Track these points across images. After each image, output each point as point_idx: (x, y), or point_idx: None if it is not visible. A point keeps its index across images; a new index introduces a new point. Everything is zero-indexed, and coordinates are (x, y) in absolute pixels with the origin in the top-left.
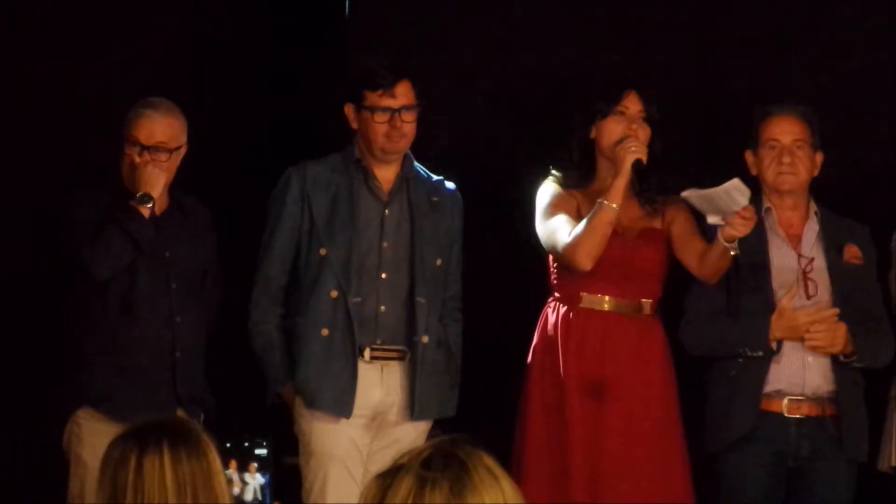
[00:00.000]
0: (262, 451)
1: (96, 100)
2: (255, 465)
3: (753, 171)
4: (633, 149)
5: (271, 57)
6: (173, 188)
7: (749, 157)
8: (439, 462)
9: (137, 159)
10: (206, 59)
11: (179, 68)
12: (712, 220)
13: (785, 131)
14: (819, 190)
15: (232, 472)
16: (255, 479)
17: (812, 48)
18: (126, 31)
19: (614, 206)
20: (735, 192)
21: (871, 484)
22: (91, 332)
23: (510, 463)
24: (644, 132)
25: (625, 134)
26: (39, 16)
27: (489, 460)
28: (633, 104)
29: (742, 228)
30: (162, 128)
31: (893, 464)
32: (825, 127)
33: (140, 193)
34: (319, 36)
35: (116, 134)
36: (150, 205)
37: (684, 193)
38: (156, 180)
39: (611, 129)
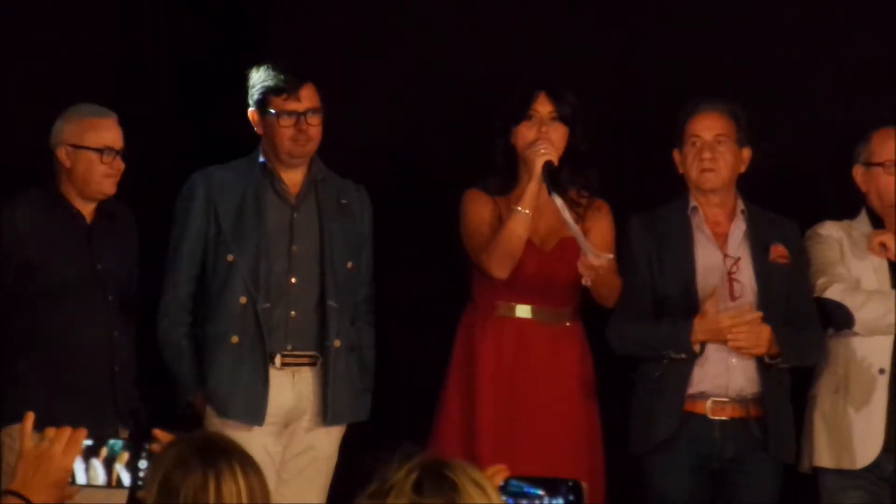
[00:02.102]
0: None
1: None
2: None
3: (680, 170)
4: (542, 151)
5: (186, 59)
6: None
7: (676, 155)
8: (431, 485)
9: (107, 166)
10: (122, 65)
11: (98, 74)
12: (573, 232)
13: (706, 127)
14: (749, 185)
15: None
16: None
17: (741, 42)
18: (42, 34)
19: (526, 211)
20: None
21: (797, 485)
22: (27, 348)
23: None
24: (557, 132)
25: (536, 137)
26: None
27: (474, 472)
28: (542, 106)
29: (584, 270)
30: (118, 131)
31: (813, 464)
32: (753, 121)
33: None
34: (235, 38)
35: (40, 140)
36: None
37: (554, 196)
38: None
39: (523, 134)
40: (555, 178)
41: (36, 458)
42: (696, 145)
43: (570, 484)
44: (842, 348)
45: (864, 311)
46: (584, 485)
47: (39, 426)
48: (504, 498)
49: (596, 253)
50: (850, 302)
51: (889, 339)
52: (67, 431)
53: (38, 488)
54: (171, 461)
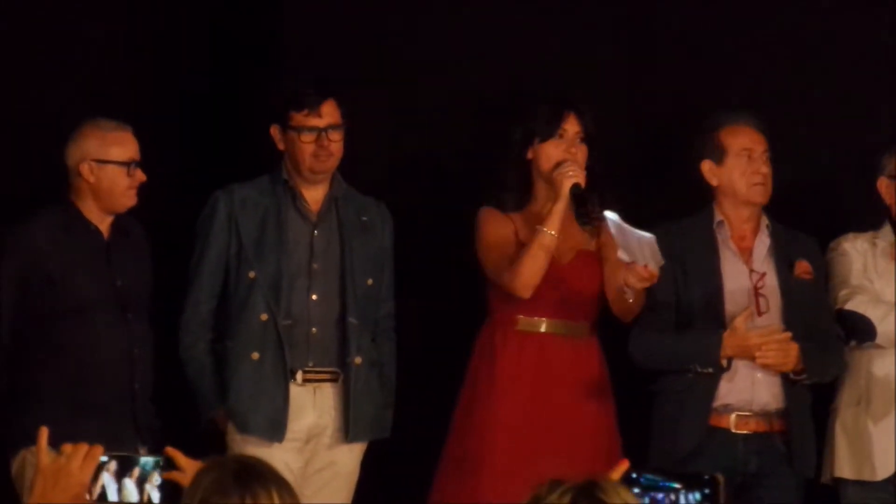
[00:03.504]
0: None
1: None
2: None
3: (714, 182)
4: (571, 173)
5: (206, 75)
6: None
7: (708, 166)
8: None
9: (127, 178)
10: (142, 79)
11: (111, 91)
12: (621, 254)
13: (756, 141)
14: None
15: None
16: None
17: (752, 58)
18: (56, 53)
19: (553, 233)
20: (648, 248)
21: (817, 496)
22: (49, 367)
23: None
24: (582, 153)
25: (563, 158)
26: None
27: (626, 494)
28: (571, 126)
29: (638, 283)
30: (136, 144)
31: (833, 475)
32: (776, 133)
33: None
34: (255, 54)
35: (56, 158)
36: None
37: (607, 213)
38: None
39: (549, 154)
40: (583, 200)
41: (53, 474)
42: (751, 158)
43: (707, 477)
44: (863, 360)
45: (886, 323)
46: (721, 478)
47: (61, 444)
48: (636, 491)
49: (657, 260)
50: (871, 314)
51: None
52: (84, 447)
53: (56, 503)
54: (209, 486)
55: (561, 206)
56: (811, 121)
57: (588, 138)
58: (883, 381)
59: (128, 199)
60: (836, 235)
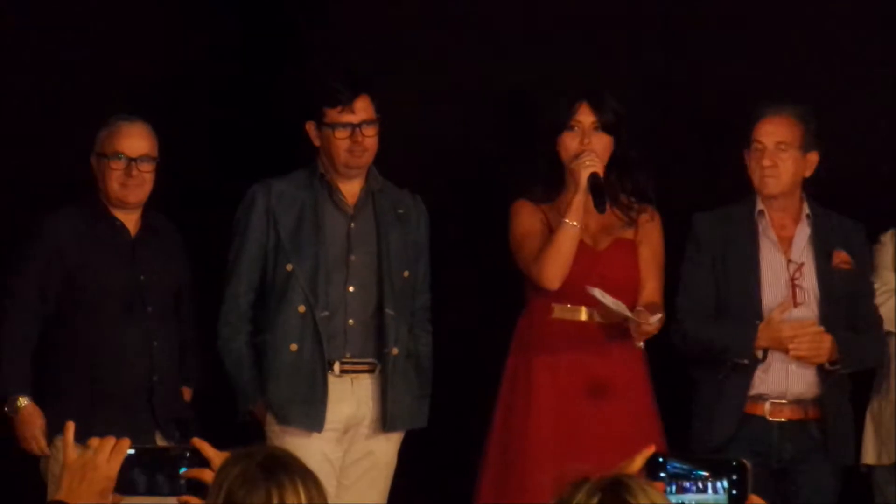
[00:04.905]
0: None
1: (64, 117)
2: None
3: (749, 172)
4: (588, 163)
5: (238, 72)
6: (145, 208)
7: (746, 155)
8: None
9: (121, 172)
10: (172, 77)
11: (145, 86)
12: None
13: (769, 133)
14: (820, 187)
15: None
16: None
17: (807, 45)
18: (90, 48)
19: (575, 223)
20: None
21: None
22: (69, 359)
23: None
24: (600, 142)
25: (580, 148)
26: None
27: (654, 493)
28: (585, 116)
29: (639, 337)
30: (145, 138)
31: (866, 461)
32: (824, 125)
33: None
34: (287, 50)
35: (85, 152)
36: None
37: (589, 288)
38: None
39: (566, 145)
40: (600, 189)
41: (81, 468)
42: (759, 151)
43: (735, 463)
44: (891, 349)
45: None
46: (749, 464)
47: (78, 435)
48: (661, 476)
49: (649, 321)
50: (879, 301)
51: None
52: (111, 441)
53: (84, 497)
54: (235, 478)
55: (580, 197)
56: (862, 112)
57: (608, 126)
58: None
59: (122, 195)
60: (884, 227)
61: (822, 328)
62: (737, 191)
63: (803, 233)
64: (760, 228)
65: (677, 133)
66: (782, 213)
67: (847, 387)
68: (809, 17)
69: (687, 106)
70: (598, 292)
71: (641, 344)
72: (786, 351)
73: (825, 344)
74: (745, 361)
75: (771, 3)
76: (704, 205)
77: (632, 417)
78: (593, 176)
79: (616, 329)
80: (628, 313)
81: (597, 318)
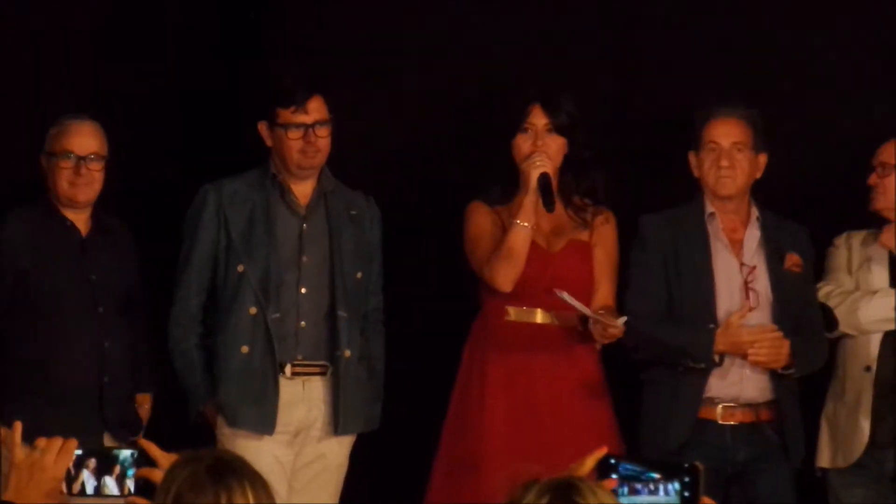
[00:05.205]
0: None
1: (13, 117)
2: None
3: (696, 173)
4: (538, 163)
5: (192, 71)
6: (96, 208)
7: (692, 158)
8: None
9: (70, 171)
10: (123, 75)
11: (96, 85)
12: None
13: (724, 133)
14: (763, 190)
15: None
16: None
17: (755, 48)
18: (40, 46)
19: (526, 224)
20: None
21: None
22: (21, 359)
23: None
24: (554, 143)
25: (532, 149)
26: None
27: (603, 494)
28: (537, 118)
29: (602, 340)
30: (94, 137)
31: (821, 465)
32: (774, 128)
33: None
34: (242, 50)
35: (35, 152)
36: None
37: (557, 291)
38: None
39: (519, 146)
40: (549, 188)
41: (28, 468)
42: (714, 151)
43: (687, 465)
44: (840, 351)
45: (862, 313)
46: (701, 466)
47: (28, 436)
48: (613, 477)
49: (616, 324)
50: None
51: (877, 338)
52: (59, 441)
53: (31, 498)
54: (184, 480)
55: (532, 198)
56: (804, 114)
57: (561, 129)
58: (853, 367)
59: (70, 193)
60: (829, 230)
61: (780, 333)
62: (680, 194)
63: (753, 235)
64: (711, 231)
65: (628, 134)
66: (733, 215)
67: (796, 390)
68: (759, 19)
69: (627, 109)
70: (566, 295)
71: (599, 346)
72: (744, 356)
73: (784, 349)
74: (702, 366)
75: (719, 5)
76: (649, 207)
77: (587, 419)
78: (543, 176)
79: (571, 331)
80: (595, 315)
81: (552, 321)
